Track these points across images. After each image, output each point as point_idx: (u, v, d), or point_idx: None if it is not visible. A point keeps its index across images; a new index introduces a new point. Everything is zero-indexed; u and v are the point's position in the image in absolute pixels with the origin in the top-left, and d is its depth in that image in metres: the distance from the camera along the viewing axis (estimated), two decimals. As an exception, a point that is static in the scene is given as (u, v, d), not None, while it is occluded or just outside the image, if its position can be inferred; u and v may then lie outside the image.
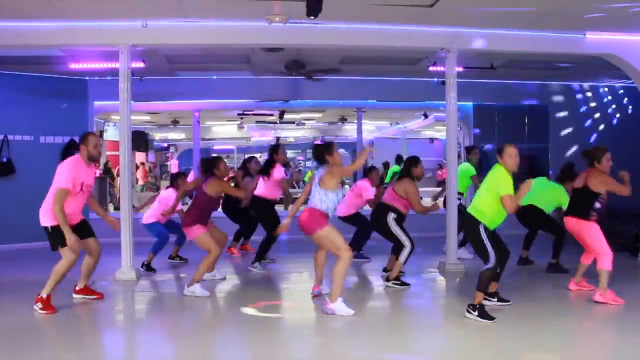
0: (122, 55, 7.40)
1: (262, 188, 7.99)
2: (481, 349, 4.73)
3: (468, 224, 5.63)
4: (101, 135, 16.47)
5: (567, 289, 6.57)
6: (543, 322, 5.40)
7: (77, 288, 6.20)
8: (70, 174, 5.64)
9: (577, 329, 5.48)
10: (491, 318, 5.31)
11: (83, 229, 5.93)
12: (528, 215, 7.74)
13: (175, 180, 8.27)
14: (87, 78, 10.78)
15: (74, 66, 9.28)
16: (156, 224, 8.01)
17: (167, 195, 8.09)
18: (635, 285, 7.41)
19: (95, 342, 5.15)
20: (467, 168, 8.57)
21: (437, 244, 9.07)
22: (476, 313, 5.35)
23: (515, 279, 7.27)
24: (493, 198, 5.41)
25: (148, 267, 7.80)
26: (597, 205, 6.20)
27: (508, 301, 5.90)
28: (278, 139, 21.01)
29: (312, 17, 6.21)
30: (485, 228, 5.47)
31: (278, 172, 7.98)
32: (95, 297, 6.21)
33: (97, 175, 14.47)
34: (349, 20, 7.44)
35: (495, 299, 5.90)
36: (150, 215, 8.06)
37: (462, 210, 7.45)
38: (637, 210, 8.66)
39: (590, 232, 6.20)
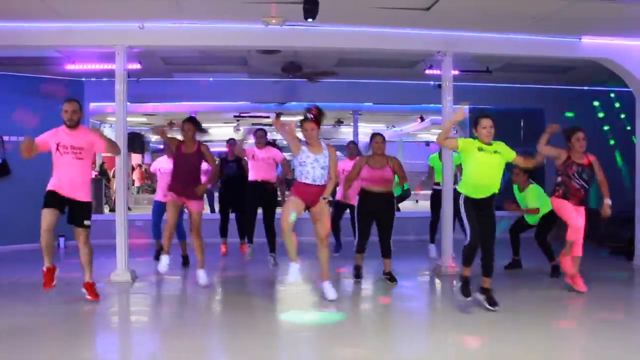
0: (118, 57, 7.39)
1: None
2: (475, 353, 4.73)
3: (453, 198, 5.96)
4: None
5: (561, 290, 6.59)
6: (538, 325, 5.40)
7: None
8: (45, 134, 5.96)
9: (573, 332, 5.49)
10: (467, 294, 5.72)
11: (72, 211, 5.98)
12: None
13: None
14: (83, 79, 10.76)
15: (70, 67, 9.28)
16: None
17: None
18: (631, 288, 7.44)
19: (89, 344, 5.12)
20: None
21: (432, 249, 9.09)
22: (460, 285, 5.83)
23: (509, 282, 7.28)
24: (463, 164, 5.89)
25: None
26: (559, 179, 6.54)
27: (495, 305, 5.73)
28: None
29: (309, 20, 6.22)
30: (466, 201, 5.68)
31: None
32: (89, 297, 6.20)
33: (93, 176, 14.49)
34: (346, 22, 7.45)
35: (484, 297, 5.81)
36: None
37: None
38: (631, 214, 8.68)
39: (555, 207, 6.56)
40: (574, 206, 6.46)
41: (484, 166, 5.67)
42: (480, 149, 5.68)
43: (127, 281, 7.22)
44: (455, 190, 5.82)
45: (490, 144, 5.75)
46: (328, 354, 4.74)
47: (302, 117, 6.17)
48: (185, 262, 8.33)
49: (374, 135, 7.28)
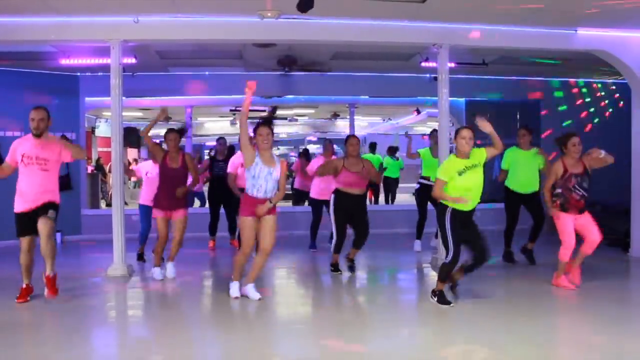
0: (114, 51, 7.37)
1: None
2: (468, 342, 4.75)
3: (438, 211, 5.78)
4: (93, 132, 16.45)
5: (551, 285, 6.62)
6: (530, 317, 5.42)
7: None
8: (11, 148, 5.88)
9: (569, 323, 5.51)
10: (448, 303, 5.69)
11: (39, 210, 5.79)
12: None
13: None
14: (78, 74, 10.73)
15: (65, 62, 9.23)
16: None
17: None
18: (627, 279, 7.47)
19: (86, 338, 5.13)
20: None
21: (429, 240, 9.10)
22: (436, 299, 5.75)
23: (503, 273, 7.30)
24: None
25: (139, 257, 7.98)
26: (558, 190, 6.43)
27: (449, 303, 5.75)
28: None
29: (304, 13, 6.19)
30: (452, 216, 5.60)
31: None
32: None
33: (90, 171, 14.46)
34: (341, 16, 7.43)
35: (451, 287, 6.01)
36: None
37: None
38: (627, 205, 8.71)
39: (555, 218, 6.45)
40: (574, 215, 6.36)
41: (472, 187, 5.64)
42: (460, 173, 5.62)
43: (124, 275, 7.22)
44: (440, 204, 5.73)
45: (468, 157, 5.68)
46: (319, 346, 4.75)
47: (258, 122, 6.03)
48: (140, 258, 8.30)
49: (349, 137, 7.40)
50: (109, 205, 14.10)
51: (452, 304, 5.70)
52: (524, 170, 7.74)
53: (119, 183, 7.49)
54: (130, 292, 6.84)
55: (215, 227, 9.37)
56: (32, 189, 5.77)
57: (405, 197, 15.48)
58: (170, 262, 7.12)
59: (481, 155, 5.73)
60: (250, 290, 6.05)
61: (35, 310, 5.72)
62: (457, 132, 5.75)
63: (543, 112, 12.10)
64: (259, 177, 5.81)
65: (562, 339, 4.98)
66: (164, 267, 7.12)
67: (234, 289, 6.10)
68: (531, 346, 4.61)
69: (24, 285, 5.92)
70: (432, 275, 7.53)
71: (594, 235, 6.32)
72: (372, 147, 15.45)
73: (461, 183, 5.60)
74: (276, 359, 4.57)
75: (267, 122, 5.95)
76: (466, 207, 5.65)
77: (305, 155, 13.11)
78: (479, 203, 5.78)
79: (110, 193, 13.68)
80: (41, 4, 6.65)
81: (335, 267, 7.38)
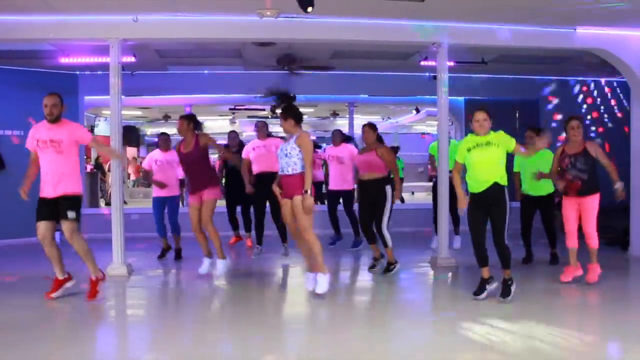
0: (113, 50, 7.36)
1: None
2: (468, 343, 4.76)
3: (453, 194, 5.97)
4: (92, 131, 16.45)
5: (556, 280, 6.62)
6: (532, 314, 5.43)
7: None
8: (28, 137, 5.90)
9: (568, 322, 5.51)
10: (475, 293, 5.81)
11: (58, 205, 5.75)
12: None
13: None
14: (78, 72, 10.72)
15: (64, 60, 9.23)
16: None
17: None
18: (626, 278, 7.47)
19: (86, 337, 5.12)
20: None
21: (429, 239, 9.11)
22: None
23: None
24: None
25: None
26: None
27: (505, 296, 5.73)
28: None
29: (307, 12, 6.17)
30: (470, 198, 5.76)
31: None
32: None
33: (89, 170, 14.46)
34: (341, 14, 7.42)
35: (498, 286, 5.91)
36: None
37: None
38: (626, 203, 8.71)
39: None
40: (577, 198, 6.37)
41: (477, 163, 5.66)
42: (469, 149, 5.70)
43: (124, 275, 7.22)
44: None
45: (484, 136, 5.73)
46: (323, 344, 4.76)
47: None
48: (178, 255, 8.36)
49: (363, 126, 7.43)
50: (108, 204, 14.11)
51: (479, 297, 5.76)
52: (534, 171, 7.73)
53: (118, 182, 7.49)
54: (130, 291, 6.84)
55: (235, 221, 9.26)
56: (50, 173, 5.75)
57: (405, 196, 15.50)
58: (221, 260, 7.02)
59: (503, 139, 5.72)
60: (317, 279, 5.97)
61: (34, 309, 5.71)
62: (473, 113, 5.82)
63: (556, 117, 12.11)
64: (280, 157, 5.97)
65: (559, 337, 4.98)
66: (214, 262, 7.06)
67: (308, 279, 6.09)
68: (530, 345, 4.62)
69: (54, 278, 5.96)
70: (431, 275, 7.56)
71: (587, 227, 6.36)
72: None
73: (469, 160, 5.68)
74: (280, 358, 4.57)
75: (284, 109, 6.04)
76: (478, 187, 5.68)
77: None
78: (497, 185, 5.67)
79: (109, 192, 13.68)
80: (40, 2, 6.64)
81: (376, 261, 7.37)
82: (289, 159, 5.91)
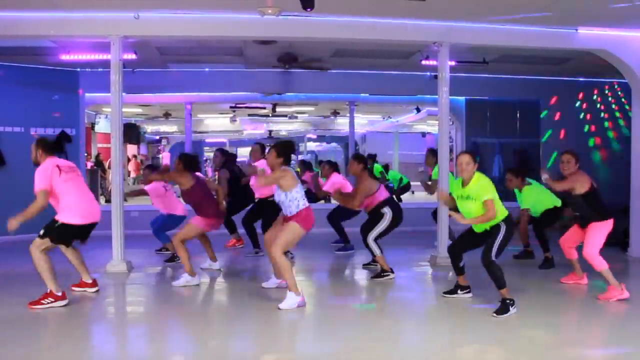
0: (114, 47, 7.36)
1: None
2: (469, 342, 4.76)
3: None
4: (92, 128, 16.47)
5: (556, 280, 6.61)
6: (535, 315, 5.43)
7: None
8: None
9: (569, 323, 5.52)
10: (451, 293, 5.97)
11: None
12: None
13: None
14: (79, 69, 10.71)
15: (65, 57, 9.23)
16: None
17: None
18: (626, 279, 7.46)
19: (85, 335, 5.14)
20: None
21: (429, 238, 9.10)
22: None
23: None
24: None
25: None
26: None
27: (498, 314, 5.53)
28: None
29: (309, 10, 6.16)
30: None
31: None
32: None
33: (89, 167, 14.46)
34: (342, 13, 7.42)
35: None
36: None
37: None
38: (626, 204, 8.71)
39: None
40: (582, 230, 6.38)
41: (464, 212, 5.61)
42: (456, 197, 5.69)
43: (123, 272, 7.22)
44: None
45: (465, 185, 5.57)
46: (323, 342, 4.76)
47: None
48: (172, 258, 8.25)
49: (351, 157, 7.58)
50: (108, 201, 14.10)
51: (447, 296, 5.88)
52: (543, 202, 7.82)
53: (118, 179, 7.49)
54: (129, 288, 6.84)
55: (231, 223, 9.13)
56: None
57: (405, 196, 15.49)
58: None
59: (481, 191, 5.43)
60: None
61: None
62: (457, 156, 5.73)
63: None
64: (279, 202, 5.86)
65: (560, 337, 4.98)
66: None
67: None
68: (529, 344, 4.62)
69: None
70: (430, 274, 7.56)
71: (584, 247, 6.15)
72: (373, 158, 14.85)
73: (460, 205, 5.65)
74: (280, 356, 4.57)
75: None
76: (474, 227, 5.69)
77: (305, 165, 13.14)
78: (491, 230, 5.55)
79: (109, 189, 13.68)
80: (42, -1, 6.65)
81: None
82: (290, 205, 5.76)
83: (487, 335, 4.88)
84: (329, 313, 5.67)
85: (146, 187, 8.14)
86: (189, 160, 6.96)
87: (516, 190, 7.96)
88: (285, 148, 5.86)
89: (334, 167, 9.08)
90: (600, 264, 6.01)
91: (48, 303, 5.59)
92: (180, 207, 8.07)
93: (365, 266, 7.64)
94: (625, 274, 7.77)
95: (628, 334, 4.94)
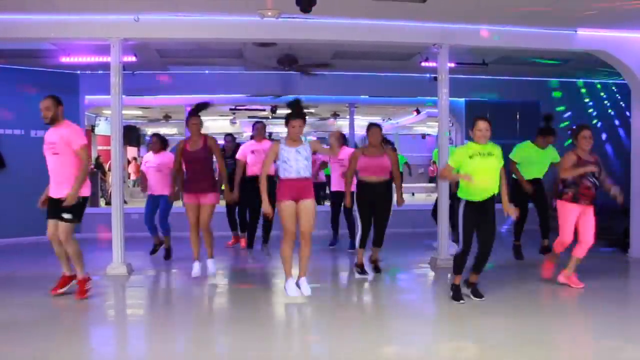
0: (114, 49, 7.36)
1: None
2: (470, 344, 4.76)
3: (455, 203, 5.89)
4: (92, 130, 16.47)
5: (555, 283, 6.61)
6: (535, 317, 5.43)
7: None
8: None
9: (568, 324, 5.52)
10: (459, 299, 5.77)
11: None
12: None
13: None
14: (79, 72, 10.73)
15: (65, 60, 9.24)
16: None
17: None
18: (626, 280, 7.47)
19: (85, 337, 5.14)
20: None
21: (429, 239, 9.10)
22: (451, 294, 5.85)
23: (504, 273, 7.31)
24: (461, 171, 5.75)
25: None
26: (569, 179, 6.33)
27: (480, 297, 5.88)
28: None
29: (307, 12, 6.16)
30: (466, 207, 5.69)
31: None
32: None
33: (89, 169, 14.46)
34: (342, 15, 7.43)
35: (470, 290, 5.96)
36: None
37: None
38: (626, 205, 8.70)
39: (559, 209, 6.41)
40: (583, 207, 6.30)
41: (480, 170, 5.59)
42: (471, 156, 5.64)
43: (123, 274, 7.22)
44: (454, 195, 5.76)
45: (486, 145, 5.68)
46: (322, 344, 4.76)
47: (288, 112, 6.12)
48: (168, 254, 8.33)
49: (371, 126, 7.21)
50: (108, 203, 14.10)
51: (463, 301, 5.75)
52: (537, 166, 7.92)
53: (118, 182, 7.49)
54: (129, 291, 6.84)
55: (234, 221, 9.23)
56: (51, 175, 5.88)
57: (405, 196, 15.47)
58: (210, 259, 7.03)
59: (500, 153, 5.74)
60: (303, 284, 5.95)
61: (34, 308, 5.71)
62: (473, 123, 5.73)
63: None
64: (289, 159, 5.87)
65: (559, 339, 4.98)
66: (203, 263, 7.07)
67: (291, 287, 5.94)
68: (530, 346, 4.62)
69: (61, 274, 6.09)
70: (430, 276, 7.56)
71: (588, 236, 6.28)
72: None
73: (471, 167, 5.59)
74: (279, 358, 4.57)
75: (299, 114, 6.12)
76: (479, 196, 5.66)
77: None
78: (494, 196, 5.70)
79: (109, 191, 13.68)
80: (42, 1, 6.64)
81: (361, 269, 7.13)
82: (308, 162, 5.92)
83: (487, 337, 4.88)
84: (329, 313, 5.67)
85: (163, 161, 8.25)
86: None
87: (524, 147, 8.11)
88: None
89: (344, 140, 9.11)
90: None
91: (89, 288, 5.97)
92: (168, 186, 8.12)
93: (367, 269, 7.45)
94: (625, 275, 7.78)
95: (630, 333, 4.93)
